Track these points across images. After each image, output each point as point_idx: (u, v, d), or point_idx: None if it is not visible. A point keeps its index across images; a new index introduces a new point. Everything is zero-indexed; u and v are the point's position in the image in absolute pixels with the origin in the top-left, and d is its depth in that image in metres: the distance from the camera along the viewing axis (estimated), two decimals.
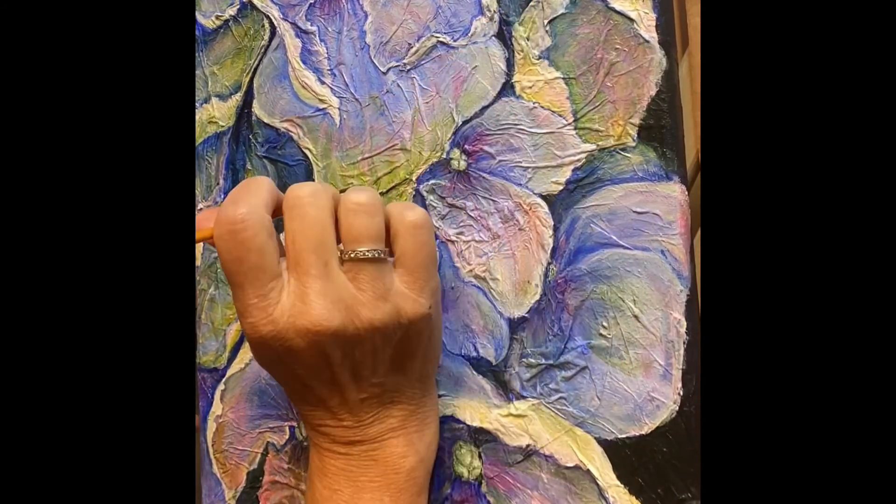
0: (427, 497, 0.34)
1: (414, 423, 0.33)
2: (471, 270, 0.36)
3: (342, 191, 0.32)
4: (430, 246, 0.32)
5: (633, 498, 0.32)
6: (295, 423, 0.40)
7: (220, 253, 0.29)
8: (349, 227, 0.30)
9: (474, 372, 0.36)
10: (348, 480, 0.32)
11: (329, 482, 0.32)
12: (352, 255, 0.30)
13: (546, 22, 0.34)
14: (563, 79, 0.34)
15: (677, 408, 0.32)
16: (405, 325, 0.31)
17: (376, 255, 0.30)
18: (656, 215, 0.32)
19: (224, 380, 0.42)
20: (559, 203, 0.34)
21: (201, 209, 0.42)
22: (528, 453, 0.34)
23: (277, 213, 0.31)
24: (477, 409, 0.36)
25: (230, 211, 0.29)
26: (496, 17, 0.36)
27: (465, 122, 0.36)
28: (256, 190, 0.30)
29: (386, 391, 0.32)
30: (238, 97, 0.42)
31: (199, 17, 0.43)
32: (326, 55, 0.40)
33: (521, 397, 0.35)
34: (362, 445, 0.32)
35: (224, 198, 0.42)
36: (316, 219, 0.30)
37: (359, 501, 0.31)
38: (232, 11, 0.42)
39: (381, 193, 0.39)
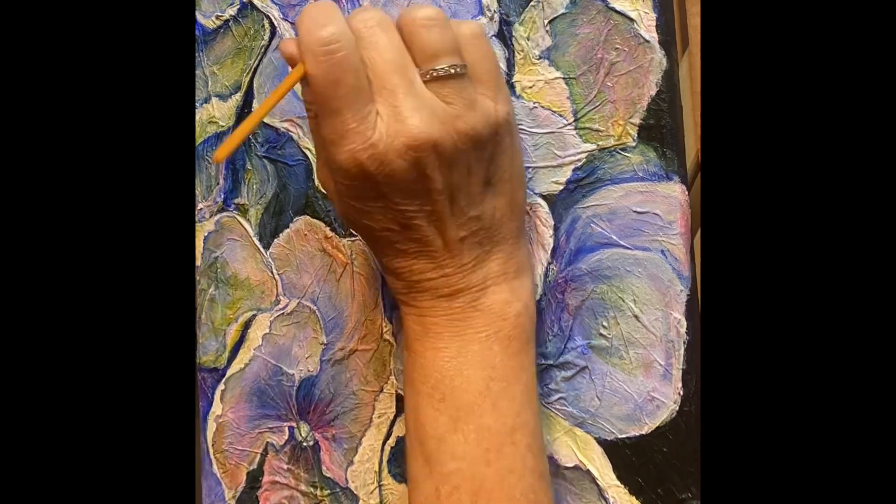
0: (534, 351, 0.32)
1: (512, 267, 0.32)
2: None
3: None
4: (493, 52, 0.31)
5: (633, 498, 0.32)
6: (294, 424, 0.40)
7: (315, 79, 0.28)
8: (424, 45, 0.29)
9: None
10: (454, 335, 0.31)
11: (432, 342, 0.31)
12: (434, 75, 0.29)
13: (546, 22, 0.34)
14: (564, 79, 0.34)
15: (677, 408, 0.32)
16: (493, 136, 0.30)
17: (457, 71, 0.29)
18: (656, 215, 0.32)
19: (224, 380, 0.42)
20: (559, 203, 0.34)
21: (201, 209, 0.42)
22: None
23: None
24: None
25: (319, 33, 0.28)
26: (496, 17, 0.35)
27: None
28: (334, 11, 0.29)
29: (483, 227, 0.31)
30: (238, 97, 0.42)
31: (199, 17, 0.43)
32: None
33: None
34: (466, 295, 0.31)
35: (224, 198, 0.42)
36: (390, 41, 0.29)
37: (466, 355, 0.30)
38: (232, 11, 0.42)
39: None
